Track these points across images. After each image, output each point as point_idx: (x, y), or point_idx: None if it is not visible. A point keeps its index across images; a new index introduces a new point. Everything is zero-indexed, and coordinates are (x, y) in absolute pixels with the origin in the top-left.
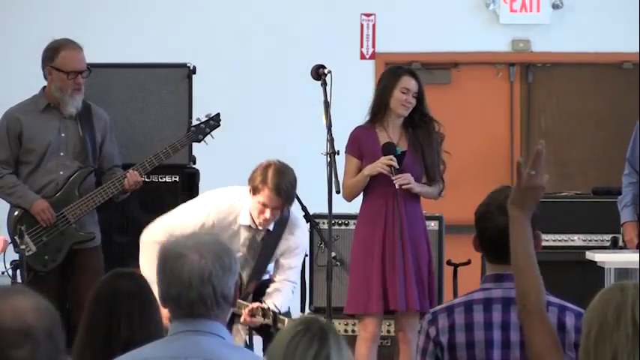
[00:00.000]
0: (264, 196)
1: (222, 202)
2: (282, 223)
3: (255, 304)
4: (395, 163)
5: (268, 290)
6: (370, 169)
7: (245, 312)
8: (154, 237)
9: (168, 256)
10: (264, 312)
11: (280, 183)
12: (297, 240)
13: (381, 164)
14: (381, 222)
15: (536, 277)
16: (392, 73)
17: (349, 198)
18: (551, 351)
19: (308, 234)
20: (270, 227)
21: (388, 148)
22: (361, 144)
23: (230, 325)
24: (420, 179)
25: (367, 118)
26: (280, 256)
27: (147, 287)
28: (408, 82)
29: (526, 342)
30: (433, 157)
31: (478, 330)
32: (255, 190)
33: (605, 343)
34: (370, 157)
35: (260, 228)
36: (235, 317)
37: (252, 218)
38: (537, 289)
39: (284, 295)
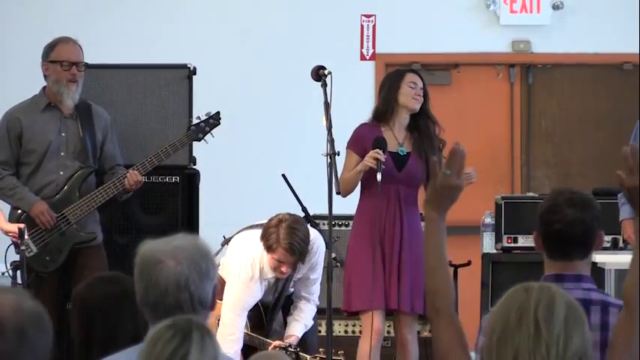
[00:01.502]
0: (278, 254)
1: (243, 271)
2: None
3: (277, 343)
4: (382, 157)
5: (292, 311)
6: (361, 165)
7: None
8: (233, 321)
9: (146, 262)
10: (286, 351)
11: (293, 242)
12: (316, 259)
13: (369, 158)
14: (380, 221)
15: (445, 276)
16: (395, 72)
17: (344, 193)
18: (456, 351)
19: (324, 246)
20: None
21: (377, 142)
22: (366, 142)
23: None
24: (422, 183)
25: (371, 119)
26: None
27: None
28: (414, 78)
29: (433, 341)
30: None
31: None
32: (269, 249)
33: (507, 344)
34: None
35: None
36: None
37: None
38: (445, 288)
39: (306, 316)
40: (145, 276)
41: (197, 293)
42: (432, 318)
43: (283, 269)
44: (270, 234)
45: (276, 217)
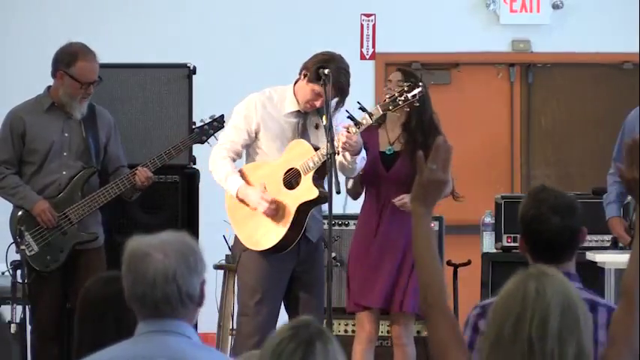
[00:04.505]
0: (326, 90)
1: (261, 95)
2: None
3: (346, 124)
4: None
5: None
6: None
7: (342, 133)
8: (218, 154)
9: (134, 256)
10: (356, 123)
11: (344, 83)
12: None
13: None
14: (374, 222)
15: (437, 270)
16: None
17: (354, 196)
18: (453, 345)
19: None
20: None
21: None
22: (367, 145)
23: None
24: (412, 179)
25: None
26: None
27: None
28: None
29: (429, 337)
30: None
31: None
32: (317, 79)
33: (500, 354)
34: (369, 157)
35: (305, 111)
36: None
37: (297, 102)
38: (438, 282)
39: None
40: (133, 269)
41: (185, 287)
42: (425, 312)
43: (317, 103)
44: (322, 64)
45: (328, 54)
